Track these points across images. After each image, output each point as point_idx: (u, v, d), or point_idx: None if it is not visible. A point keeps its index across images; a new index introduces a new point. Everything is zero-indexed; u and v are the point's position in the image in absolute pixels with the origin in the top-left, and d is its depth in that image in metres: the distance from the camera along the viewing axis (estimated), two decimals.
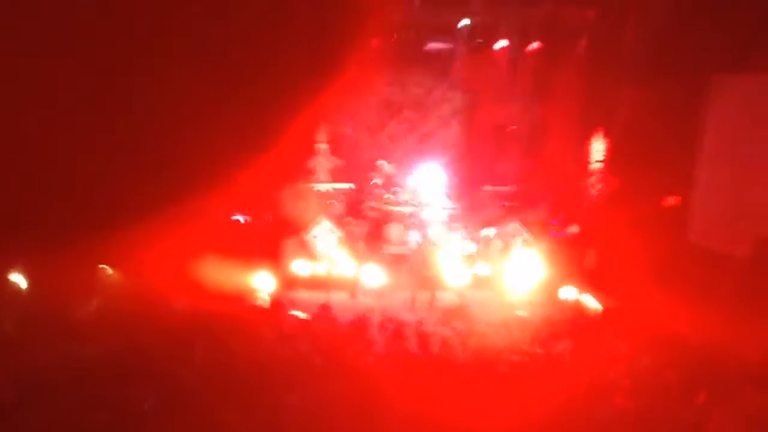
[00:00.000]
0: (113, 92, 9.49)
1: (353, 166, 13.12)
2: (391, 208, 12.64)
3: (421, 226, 12.21)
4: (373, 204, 12.72)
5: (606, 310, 10.41)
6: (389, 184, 12.91)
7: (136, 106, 9.59)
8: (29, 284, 9.95)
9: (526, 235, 12.28)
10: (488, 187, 12.80)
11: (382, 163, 12.99)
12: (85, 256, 9.62)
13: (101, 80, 9.33)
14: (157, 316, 9.38)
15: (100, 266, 10.38)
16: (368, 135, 13.09)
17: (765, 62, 9.74)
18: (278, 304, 10.63)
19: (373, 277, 11.95)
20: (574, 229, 12.21)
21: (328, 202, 12.67)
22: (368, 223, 12.61)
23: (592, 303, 10.77)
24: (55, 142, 9.40)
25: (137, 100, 9.56)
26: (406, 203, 12.66)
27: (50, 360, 7.79)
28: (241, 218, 12.03)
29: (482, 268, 12.49)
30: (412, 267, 11.50)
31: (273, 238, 12.01)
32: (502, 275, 12.00)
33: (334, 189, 12.85)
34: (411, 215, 12.56)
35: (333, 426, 6.05)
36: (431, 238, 11.94)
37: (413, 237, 12.13)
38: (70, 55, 9.02)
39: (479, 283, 12.43)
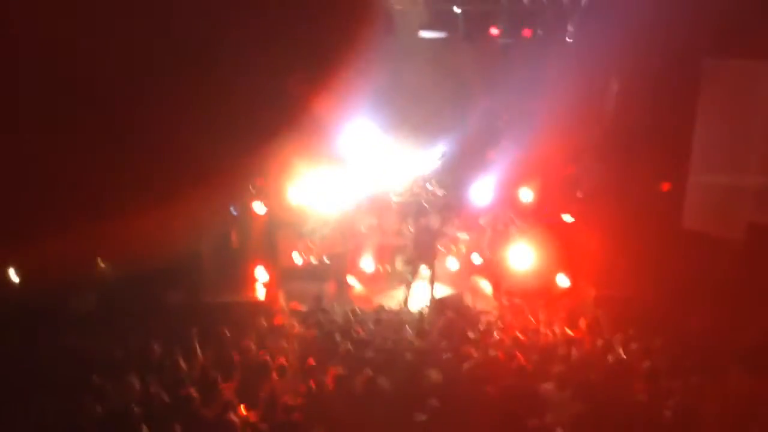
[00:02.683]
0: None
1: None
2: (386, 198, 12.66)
3: (416, 215, 12.20)
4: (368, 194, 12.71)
5: (600, 297, 10.46)
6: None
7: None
8: (27, 278, 9.95)
9: (519, 223, 12.32)
10: (482, 175, 12.79)
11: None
12: (83, 249, 9.63)
13: (100, 83, 9.38)
14: (155, 309, 9.47)
15: (97, 260, 10.36)
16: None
17: (756, 47, 9.73)
18: (273, 295, 10.70)
19: (367, 267, 12.01)
20: (567, 216, 12.23)
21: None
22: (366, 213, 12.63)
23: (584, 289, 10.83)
24: (53, 140, 9.46)
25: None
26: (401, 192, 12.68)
27: (49, 353, 7.85)
28: (233, 210, 11.99)
29: (477, 257, 12.56)
30: (407, 256, 11.52)
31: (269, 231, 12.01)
32: (497, 263, 12.05)
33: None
34: (406, 205, 12.56)
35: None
36: (427, 227, 11.94)
37: (409, 226, 12.14)
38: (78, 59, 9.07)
39: (474, 271, 12.50)
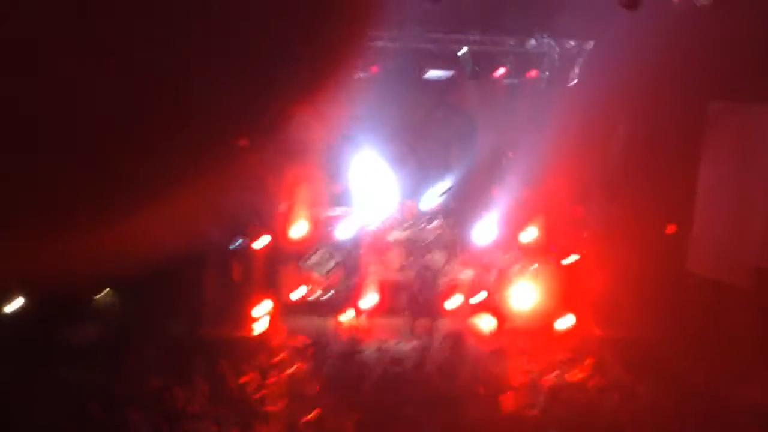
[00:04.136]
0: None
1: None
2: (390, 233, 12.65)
3: (420, 251, 12.19)
4: (371, 229, 12.71)
5: (605, 337, 10.38)
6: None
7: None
8: (22, 309, 9.89)
9: (524, 262, 12.27)
10: (487, 213, 12.80)
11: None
12: (81, 278, 9.59)
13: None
14: (155, 341, 9.41)
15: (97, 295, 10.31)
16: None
17: (762, 91, 9.78)
18: (276, 329, 10.63)
19: (370, 302, 11.93)
20: (572, 257, 12.19)
21: (327, 227, 12.62)
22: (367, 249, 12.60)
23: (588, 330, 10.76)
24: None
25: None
26: (405, 228, 12.68)
27: (42, 382, 7.79)
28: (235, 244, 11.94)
29: (480, 295, 12.48)
30: (410, 293, 11.46)
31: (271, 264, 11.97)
32: (501, 302, 11.98)
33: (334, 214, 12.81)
34: (410, 241, 12.55)
35: None
36: (430, 264, 11.92)
37: (412, 263, 12.11)
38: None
39: (477, 309, 12.42)
